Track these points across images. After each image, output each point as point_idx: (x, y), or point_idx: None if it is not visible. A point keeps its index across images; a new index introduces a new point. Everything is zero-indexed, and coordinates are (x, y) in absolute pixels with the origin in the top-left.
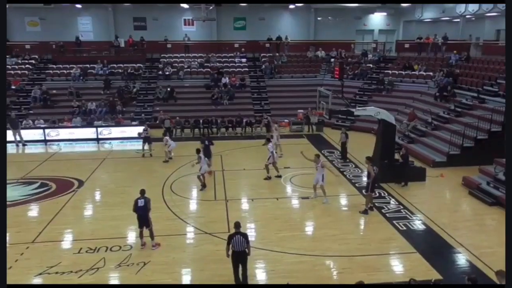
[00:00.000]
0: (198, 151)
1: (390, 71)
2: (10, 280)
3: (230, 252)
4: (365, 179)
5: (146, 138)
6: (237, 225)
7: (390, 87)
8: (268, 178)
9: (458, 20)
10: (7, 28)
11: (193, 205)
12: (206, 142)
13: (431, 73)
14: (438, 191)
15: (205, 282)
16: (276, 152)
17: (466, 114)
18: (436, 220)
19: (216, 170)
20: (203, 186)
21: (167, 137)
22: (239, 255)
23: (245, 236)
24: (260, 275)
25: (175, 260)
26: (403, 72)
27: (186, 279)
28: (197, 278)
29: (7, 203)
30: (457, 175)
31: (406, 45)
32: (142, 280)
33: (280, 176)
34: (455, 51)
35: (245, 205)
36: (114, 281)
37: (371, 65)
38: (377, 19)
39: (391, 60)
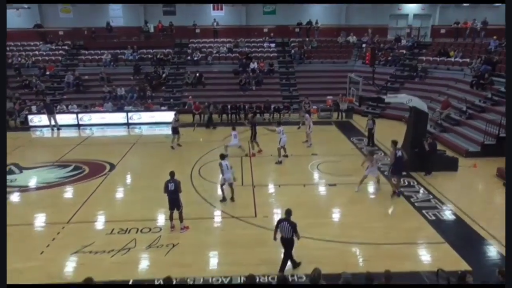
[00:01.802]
0: (222, 156)
1: (424, 58)
2: (48, 258)
3: (278, 236)
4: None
5: (174, 129)
6: (288, 212)
7: (423, 74)
8: (279, 162)
9: (499, 4)
10: (41, 14)
11: (220, 190)
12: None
13: (467, 60)
14: (470, 181)
15: (231, 265)
16: (307, 141)
17: (504, 103)
18: (467, 211)
19: (244, 156)
20: (223, 199)
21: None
22: (284, 241)
23: (292, 224)
24: None
25: (203, 243)
26: (438, 59)
27: (213, 262)
28: (224, 261)
29: (44, 185)
30: (492, 166)
31: (442, 31)
32: (170, 261)
33: (280, 162)
34: (495, 37)
35: (272, 191)
36: (144, 262)
37: (404, 51)
38: (412, 4)
39: (426, 46)
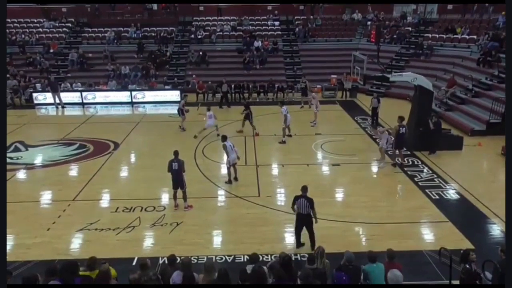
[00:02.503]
0: (224, 138)
1: (430, 35)
2: (54, 235)
3: (295, 213)
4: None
5: (179, 110)
6: (304, 189)
7: (429, 52)
8: (283, 142)
9: None
10: None
11: (224, 169)
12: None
13: (474, 37)
14: (475, 160)
15: (235, 244)
16: (314, 122)
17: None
18: (471, 190)
19: (247, 135)
20: (229, 181)
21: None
22: (304, 217)
23: (309, 200)
24: (289, 239)
25: (206, 222)
26: (444, 36)
27: (217, 240)
28: (228, 240)
29: (49, 162)
30: (497, 145)
31: (449, 7)
32: (175, 239)
33: (283, 142)
34: (503, 13)
35: (275, 170)
36: (149, 240)
37: (409, 29)
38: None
39: (432, 23)
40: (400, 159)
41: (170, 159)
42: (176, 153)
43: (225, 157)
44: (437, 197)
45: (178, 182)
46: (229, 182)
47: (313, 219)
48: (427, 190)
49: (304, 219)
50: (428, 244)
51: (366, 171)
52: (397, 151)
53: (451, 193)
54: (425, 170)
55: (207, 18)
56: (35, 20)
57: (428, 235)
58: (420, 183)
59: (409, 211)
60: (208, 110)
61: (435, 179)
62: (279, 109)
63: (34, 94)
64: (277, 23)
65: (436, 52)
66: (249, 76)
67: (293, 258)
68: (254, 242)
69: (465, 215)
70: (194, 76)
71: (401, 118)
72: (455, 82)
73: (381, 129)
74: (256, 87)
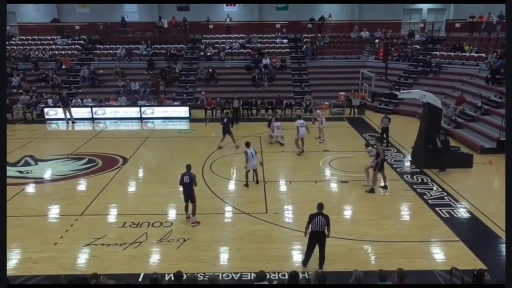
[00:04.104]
0: (248, 144)
1: (438, 53)
2: (61, 250)
3: (308, 231)
4: (407, 164)
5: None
6: (320, 206)
7: (437, 70)
8: (302, 151)
9: None
10: (58, 9)
11: (231, 186)
12: (225, 120)
13: (483, 55)
14: (485, 178)
15: (242, 261)
16: (320, 137)
17: None
18: (482, 209)
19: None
20: (246, 185)
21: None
22: (318, 235)
23: (326, 217)
24: (296, 257)
25: (213, 238)
26: (453, 54)
27: (223, 257)
28: (235, 257)
29: (59, 177)
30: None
31: (457, 25)
32: (181, 256)
33: (302, 152)
34: None
35: (283, 187)
36: (155, 256)
37: (417, 47)
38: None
39: (440, 41)
40: (375, 182)
41: (178, 174)
42: (188, 166)
43: (234, 172)
44: (447, 215)
45: (188, 195)
46: (246, 185)
47: (326, 234)
48: (437, 208)
49: (319, 237)
50: (439, 264)
51: (374, 188)
52: (381, 174)
53: (462, 212)
54: (434, 188)
55: (216, 36)
56: (49, 37)
57: (438, 254)
58: (429, 201)
59: (419, 230)
60: (275, 120)
61: (445, 197)
62: (287, 125)
63: (46, 109)
64: (285, 40)
65: (444, 70)
66: (257, 92)
67: (300, 276)
68: (261, 259)
69: (477, 234)
70: (203, 92)
71: (380, 140)
72: (464, 99)
73: (370, 149)
74: (264, 104)
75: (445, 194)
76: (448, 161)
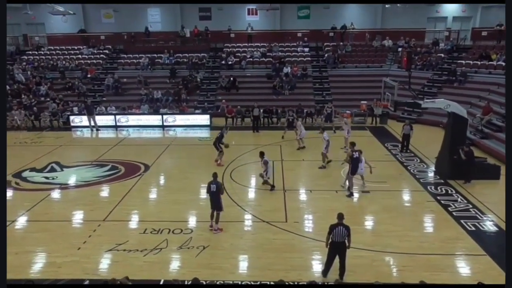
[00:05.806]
0: (261, 154)
1: (463, 61)
2: (84, 255)
3: (329, 242)
4: (431, 174)
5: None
6: (340, 216)
7: (463, 79)
8: (323, 167)
9: None
10: (85, 20)
11: (251, 194)
12: (218, 135)
13: None
14: None
15: (261, 270)
16: (345, 146)
17: None
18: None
19: (275, 160)
20: (272, 187)
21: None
22: (339, 245)
23: (347, 228)
24: (316, 267)
25: (233, 246)
26: (479, 62)
27: (243, 265)
28: (254, 265)
29: (83, 183)
30: None
31: (484, 33)
32: (201, 263)
33: (323, 167)
34: None
35: (303, 196)
36: (175, 262)
37: (442, 55)
38: (451, 5)
39: (466, 49)
40: (352, 186)
41: (198, 181)
42: (215, 175)
43: (253, 180)
44: (473, 228)
45: (215, 203)
46: (273, 187)
47: (346, 245)
48: (462, 221)
49: (339, 247)
50: (464, 278)
51: (397, 199)
52: (351, 179)
53: (488, 225)
54: (459, 199)
55: (237, 44)
56: (75, 47)
57: (463, 268)
58: (454, 213)
59: (443, 242)
60: (322, 132)
61: (471, 209)
62: (308, 133)
63: (71, 117)
64: (306, 49)
65: (470, 79)
66: (278, 101)
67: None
68: (280, 269)
69: (504, 249)
70: (223, 100)
71: (352, 144)
72: (491, 109)
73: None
74: (285, 112)
75: (470, 206)
76: (474, 172)
